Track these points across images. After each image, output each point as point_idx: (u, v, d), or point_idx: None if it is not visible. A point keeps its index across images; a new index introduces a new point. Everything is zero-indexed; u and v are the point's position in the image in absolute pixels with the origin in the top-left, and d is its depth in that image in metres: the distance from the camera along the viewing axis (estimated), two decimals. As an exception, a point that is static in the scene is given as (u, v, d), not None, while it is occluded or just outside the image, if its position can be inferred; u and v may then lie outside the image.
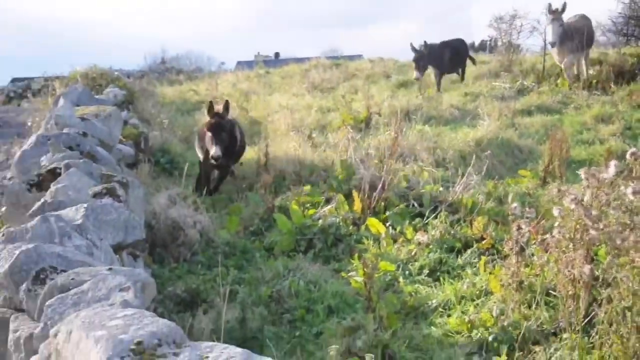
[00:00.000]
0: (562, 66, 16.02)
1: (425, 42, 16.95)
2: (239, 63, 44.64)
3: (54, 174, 6.59)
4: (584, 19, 16.40)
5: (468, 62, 19.05)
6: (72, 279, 3.95)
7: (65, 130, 7.92)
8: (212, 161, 10.08)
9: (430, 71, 17.75)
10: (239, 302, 6.77)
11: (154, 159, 11.49)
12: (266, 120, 14.06)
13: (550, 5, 14.75)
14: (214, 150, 9.91)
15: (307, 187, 9.59)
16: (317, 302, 6.87)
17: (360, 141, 11.09)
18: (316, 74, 20.35)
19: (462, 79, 18.50)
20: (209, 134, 10.16)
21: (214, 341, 3.34)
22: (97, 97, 12.20)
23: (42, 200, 5.88)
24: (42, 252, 4.53)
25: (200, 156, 11.27)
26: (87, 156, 7.36)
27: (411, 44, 16.83)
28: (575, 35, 15.23)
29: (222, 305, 6.17)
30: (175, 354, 3.19)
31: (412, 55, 16.71)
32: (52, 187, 6.07)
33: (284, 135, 12.32)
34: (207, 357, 3.18)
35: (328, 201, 9.24)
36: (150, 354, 3.15)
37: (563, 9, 14.91)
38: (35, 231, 4.95)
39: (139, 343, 3.15)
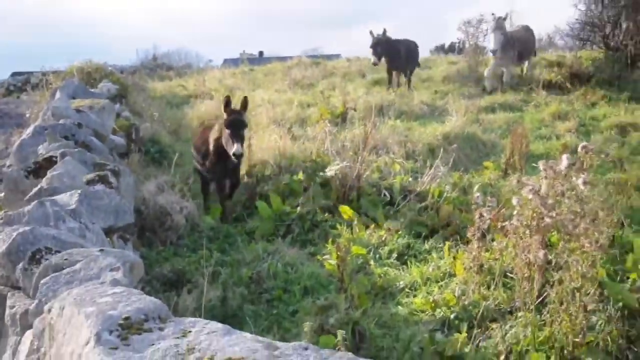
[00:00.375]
0: (485, 73, 16.00)
1: (384, 29, 16.32)
2: (225, 60, 44.48)
3: (50, 162, 6.58)
4: (526, 29, 16.52)
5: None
6: (66, 259, 3.95)
7: (61, 121, 7.89)
8: (233, 158, 8.74)
9: (389, 66, 17.14)
10: (221, 282, 6.79)
11: (144, 149, 11.44)
12: (249, 114, 13.99)
13: (494, 14, 14.68)
14: (235, 148, 8.51)
15: (287, 177, 9.60)
16: (294, 283, 6.91)
17: (336, 134, 11.10)
18: (297, 72, 20.31)
19: (409, 81, 17.53)
20: (227, 131, 8.71)
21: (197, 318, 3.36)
22: (91, 90, 12.11)
23: (39, 186, 5.87)
24: (37, 234, 4.53)
25: (198, 164, 10.01)
26: (81, 146, 7.35)
27: (370, 31, 16.32)
28: (516, 44, 15.33)
29: (205, 285, 6.21)
30: (160, 329, 3.21)
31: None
32: (49, 174, 6.06)
33: (266, 128, 12.30)
34: (189, 331, 3.20)
35: (306, 190, 9.25)
36: (137, 328, 3.17)
37: (505, 18, 14.94)
38: (32, 215, 4.95)
39: (126, 318, 3.17)
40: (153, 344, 3.05)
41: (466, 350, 5.40)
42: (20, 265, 4.41)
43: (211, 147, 9.32)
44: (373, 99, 14.52)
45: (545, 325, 5.30)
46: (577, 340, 4.99)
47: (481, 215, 6.60)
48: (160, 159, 11.19)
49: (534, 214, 6.04)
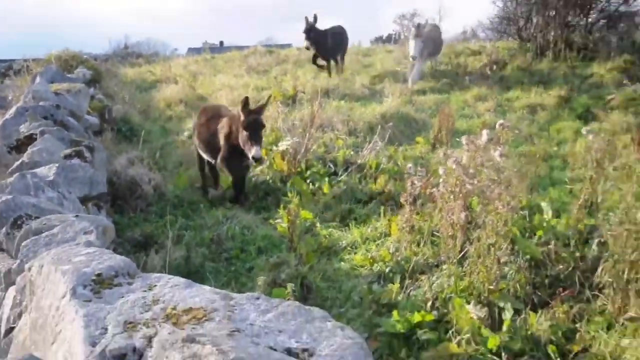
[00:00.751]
0: (409, 76, 15.81)
1: (315, 15, 15.66)
2: (189, 49, 44.00)
3: (30, 139, 6.51)
4: (436, 28, 16.43)
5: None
6: (44, 224, 3.92)
7: (41, 103, 7.79)
8: (253, 162, 7.75)
9: (317, 53, 16.34)
10: (185, 243, 6.80)
11: (116, 128, 11.30)
12: (211, 97, 13.93)
13: (415, 23, 14.46)
14: (255, 151, 7.37)
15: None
16: (250, 244, 6.94)
17: (287, 114, 11.06)
18: (253, 59, 20.14)
19: (342, 68, 16.90)
20: (245, 133, 7.49)
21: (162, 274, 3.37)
22: (68, 76, 11.97)
23: (20, 160, 5.81)
24: (19, 202, 4.48)
25: (202, 153, 8.86)
26: (59, 125, 7.28)
27: (305, 17, 15.63)
28: (429, 43, 15.25)
29: (171, 246, 6.21)
30: (129, 283, 3.21)
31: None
32: (29, 150, 5.99)
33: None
34: (155, 285, 3.20)
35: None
36: (108, 283, 3.17)
37: (425, 26, 14.64)
38: (14, 185, 4.89)
39: (98, 274, 3.17)
40: (122, 297, 3.05)
41: (399, 298, 5.48)
42: (4, 229, 4.37)
43: (222, 143, 8.13)
44: (320, 83, 14.50)
45: (466, 275, 5.38)
46: (491, 287, 5.09)
47: (413, 184, 6.67)
48: (131, 137, 11.04)
49: (457, 182, 6.11)
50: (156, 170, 8.97)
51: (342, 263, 6.45)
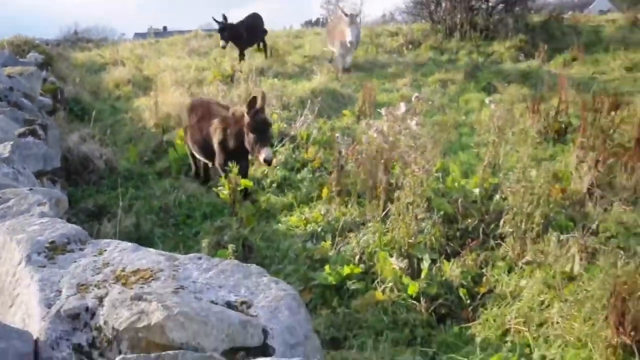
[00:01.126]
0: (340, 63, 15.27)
1: (223, 15, 14.86)
2: (135, 34, 42.84)
3: (-14, 119, 6.22)
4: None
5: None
6: (0, 197, 3.76)
7: (-5, 86, 7.45)
8: (265, 164, 6.60)
9: (237, 47, 15.46)
10: (135, 212, 6.67)
11: (69, 108, 10.95)
12: (156, 77, 13.57)
13: (345, 10, 13.62)
14: (265, 154, 6.28)
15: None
16: (195, 210, 6.85)
17: (227, 92, 10.88)
18: (195, 42, 19.71)
19: (265, 53, 16.21)
20: (252, 135, 6.37)
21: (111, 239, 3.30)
22: (21, 60, 11.46)
23: (-24, 139, 5.56)
24: (-24, 178, 4.30)
25: (197, 154, 7.68)
26: (13, 105, 6.97)
27: (213, 18, 14.96)
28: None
29: (121, 215, 6.07)
30: (81, 249, 3.15)
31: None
32: (-15, 129, 5.73)
33: (169, 88, 11.96)
34: (105, 250, 3.14)
35: (204, 136, 9.10)
36: (61, 250, 3.09)
37: (358, 15, 13.74)
38: (-30, 163, 4.68)
39: (52, 242, 3.11)
40: (75, 262, 2.99)
41: (330, 254, 5.50)
42: (-39, 204, 4.18)
43: (217, 150, 6.96)
44: (255, 63, 14.33)
45: (388, 231, 5.42)
46: (411, 241, 5.14)
47: (340, 152, 6.67)
48: (82, 115, 10.70)
49: (379, 149, 6.13)
50: (107, 146, 8.72)
51: (280, 225, 6.43)
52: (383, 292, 4.73)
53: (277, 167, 7.96)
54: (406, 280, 4.76)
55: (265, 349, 2.53)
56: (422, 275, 4.80)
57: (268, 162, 6.39)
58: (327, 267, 5.06)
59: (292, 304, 2.73)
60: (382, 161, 6.17)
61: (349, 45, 12.88)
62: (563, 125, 8.42)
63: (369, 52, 16.17)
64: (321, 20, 28.72)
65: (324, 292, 4.96)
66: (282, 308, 2.69)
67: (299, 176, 7.73)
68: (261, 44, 16.51)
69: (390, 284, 4.76)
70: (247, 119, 6.41)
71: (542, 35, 14.98)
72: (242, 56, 15.25)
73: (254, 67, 12.92)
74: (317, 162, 7.91)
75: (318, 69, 13.93)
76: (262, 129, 6.41)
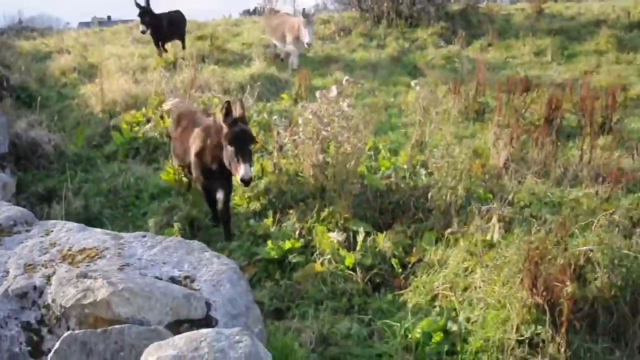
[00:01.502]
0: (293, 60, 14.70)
1: (146, 1, 13.43)
2: (80, 23, 41.13)
3: None
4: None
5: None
6: (-54, 184, 3.57)
7: (-62, 76, 7.06)
8: (242, 185, 5.19)
9: (154, 37, 13.91)
10: (83, 194, 6.43)
11: (15, 95, 10.43)
12: (101, 65, 13.08)
13: (304, 9, 12.11)
14: (243, 171, 4.92)
15: (133, 112, 9.13)
16: (144, 191, 6.66)
17: (170, 78, 10.58)
18: (138, 31, 19.05)
19: (183, 47, 14.57)
20: (230, 148, 5.00)
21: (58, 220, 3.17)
22: (-36, 50, 10.95)
23: None
24: None
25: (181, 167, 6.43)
26: (-43, 94, 6.64)
27: (136, 3, 13.28)
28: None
29: (70, 197, 5.87)
30: (27, 231, 3.05)
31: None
32: None
33: (114, 75, 11.58)
34: (52, 230, 3.05)
35: (149, 120, 8.83)
36: (8, 232, 3.00)
37: (314, 14, 12.89)
38: None
39: (-2, 224, 2.97)
40: (22, 242, 2.90)
41: (272, 230, 5.46)
42: None
43: (193, 162, 5.67)
44: (196, 50, 14.02)
45: (326, 206, 5.41)
46: (347, 215, 5.15)
47: (278, 133, 6.60)
48: (29, 102, 10.20)
49: (315, 129, 6.10)
50: (55, 131, 8.38)
51: (224, 205, 6.32)
52: (322, 264, 4.73)
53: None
54: (343, 252, 4.78)
55: (208, 321, 2.51)
56: (358, 247, 4.83)
57: (245, 181, 4.97)
58: (269, 243, 5.03)
59: (233, 277, 2.71)
60: (318, 141, 6.14)
61: (306, 46, 11.98)
62: (481, 106, 8.57)
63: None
64: (258, 9, 28.26)
65: (267, 266, 4.93)
66: (224, 281, 2.67)
67: (240, 157, 7.62)
68: (181, 42, 14.89)
69: (329, 256, 4.76)
70: (224, 129, 5.08)
71: (461, 23, 15.18)
72: (158, 47, 13.93)
73: (196, 55, 12.63)
74: (258, 144, 7.80)
75: (256, 55, 13.76)
76: (240, 142, 4.99)
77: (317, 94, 6.53)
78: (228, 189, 5.65)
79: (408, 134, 7.74)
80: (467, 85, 9.13)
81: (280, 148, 6.62)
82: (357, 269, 4.59)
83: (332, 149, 6.11)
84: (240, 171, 4.91)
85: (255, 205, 6.10)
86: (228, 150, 5.03)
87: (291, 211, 5.71)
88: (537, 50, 12.55)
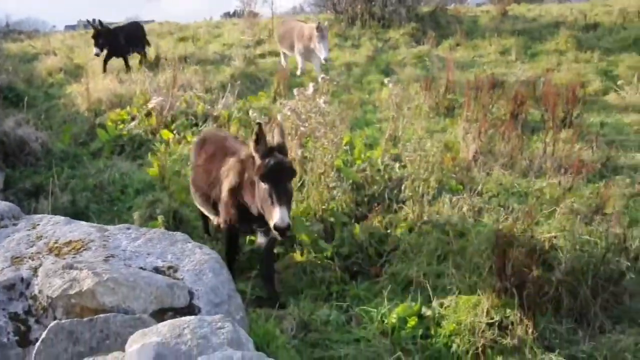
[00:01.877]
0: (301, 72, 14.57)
1: (99, 20, 12.59)
2: (66, 26, 40.46)
3: None
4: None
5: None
6: None
7: None
8: (277, 234, 3.67)
9: (112, 54, 12.68)
10: (70, 189, 6.32)
11: (3, 95, 10.25)
12: (86, 65, 12.92)
13: (318, 23, 10.80)
14: (278, 217, 3.59)
15: (118, 110, 9.00)
16: (129, 187, 6.57)
17: (153, 77, 10.45)
18: (121, 34, 18.93)
19: (145, 59, 13.26)
20: (263, 186, 3.73)
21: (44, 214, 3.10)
22: (-47, 52, 10.69)
23: None
24: None
25: (202, 208, 4.96)
26: (-54, 94, 6.48)
27: (88, 22, 12.49)
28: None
29: (58, 193, 5.76)
30: (15, 224, 2.98)
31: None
32: None
33: (99, 75, 11.43)
34: (38, 224, 2.99)
35: (133, 118, 8.72)
36: None
37: (326, 28, 11.18)
38: None
39: (-15, 220, 2.89)
40: (9, 236, 2.84)
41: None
42: None
43: (224, 199, 4.24)
44: (178, 51, 13.88)
45: (304, 200, 5.37)
46: (324, 207, 5.12)
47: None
48: (17, 102, 10.00)
49: (293, 125, 6.05)
50: (42, 129, 8.23)
51: (207, 196, 6.25)
52: (302, 254, 4.70)
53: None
54: (321, 242, 4.75)
55: (191, 309, 2.47)
56: (336, 237, 4.80)
57: (281, 230, 3.58)
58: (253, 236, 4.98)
59: (215, 266, 2.68)
60: (296, 136, 6.10)
61: (323, 61, 10.61)
62: (451, 102, 8.60)
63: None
64: (238, 12, 28.06)
65: (251, 256, 4.88)
66: (207, 271, 2.63)
67: (222, 152, 7.56)
68: (142, 53, 13.65)
69: (308, 247, 4.73)
70: (256, 160, 3.81)
71: (431, 24, 15.21)
72: (106, 64, 12.52)
73: (178, 55, 12.50)
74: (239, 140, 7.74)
75: (236, 55, 13.66)
76: (276, 177, 3.70)
77: (295, 91, 6.48)
78: (270, 246, 4.33)
79: (382, 129, 7.73)
80: (437, 82, 9.16)
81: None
82: (335, 258, 4.58)
83: (309, 144, 6.07)
84: (275, 216, 3.59)
85: (237, 199, 6.04)
86: (260, 188, 3.78)
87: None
88: (502, 49, 12.63)
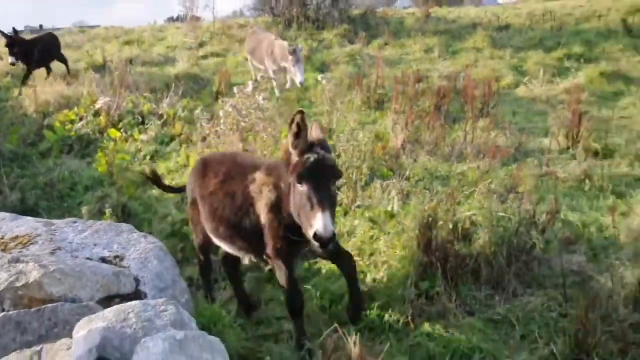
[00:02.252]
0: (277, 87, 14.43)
1: (14, 28, 11.48)
2: (13, 30, 38.74)
3: None
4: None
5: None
6: None
7: None
8: (316, 245, 2.80)
9: (26, 66, 11.35)
10: (19, 188, 6.07)
11: (-52, 100, 9.73)
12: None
13: (290, 46, 9.28)
14: (320, 224, 2.73)
15: (66, 111, 8.66)
16: (78, 183, 6.39)
17: (100, 79, 10.10)
18: (69, 38, 18.09)
19: (67, 70, 11.97)
20: (302, 187, 2.88)
21: None
22: None
23: None
24: None
25: (234, 249, 3.64)
26: None
27: (2, 32, 11.05)
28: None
29: (7, 191, 5.52)
30: None
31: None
32: None
33: (46, 77, 10.96)
34: None
35: (81, 119, 8.42)
36: None
37: (301, 49, 9.71)
38: None
39: None
40: None
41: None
42: None
43: (268, 223, 3.28)
44: (124, 54, 13.47)
45: (246, 189, 5.33)
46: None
47: (201, 125, 6.46)
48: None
49: (234, 121, 6.00)
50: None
51: (154, 191, 6.10)
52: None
53: (149, 142, 7.56)
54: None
55: (138, 295, 2.42)
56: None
57: (323, 241, 2.79)
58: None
59: (159, 254, 2.62)
60: (238, 131, 6.05)
61: (299, 85, 9.00)
62: (381, 96, 8.69)
63: (223, 41, 15.72)
64: (181, 16, 27.47)
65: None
66: (151, 258, 2.58)
67: (168, 148, 7.41)
68: (64, 65, 12.33)
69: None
70: (293, 157, 3.02)
71: (361, 25, 15.33)
72: (27, 77, 11.18)
73: (124, 58, 12.14)
74: (183, 136, 7.61)
75: (180, 57, 13.39)
76: (317, 177, 2.90)
77: (235, 89, 6.43)
78: (347, 254, 3.60)
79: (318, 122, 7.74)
80: (368, 78, 9.24)
81: (204, 139, 6.49)
82: (277, 242, 4.56)
83: (250, 138, 6.03)
84: (315, 223, 2.79)
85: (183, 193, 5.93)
86: (297, 191, 2.95)
87: (216, 194, 5.60)
88: (426, 48, 12.85)
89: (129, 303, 2.05)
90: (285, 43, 9.33)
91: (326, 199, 2.83)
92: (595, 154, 6.39)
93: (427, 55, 12.45)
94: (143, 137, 7.76)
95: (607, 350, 3.17)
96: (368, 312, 3.72)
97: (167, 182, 6.21)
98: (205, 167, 3.85)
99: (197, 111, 7.35)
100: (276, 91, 9.28)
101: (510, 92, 9.46)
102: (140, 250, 2.63)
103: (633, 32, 12.28)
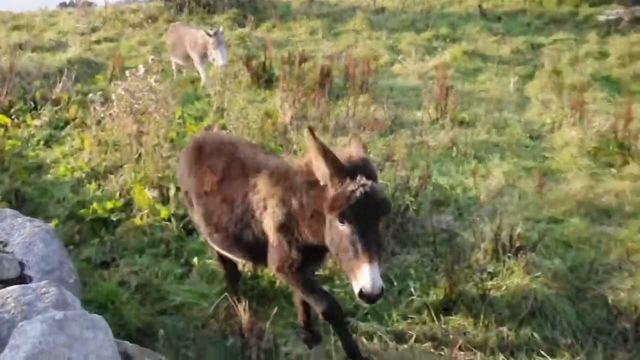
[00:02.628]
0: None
1: None
2: None
3: None
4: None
5: None
6: None
7: None
8: (363, 301, 2.15)
9: None
10: None
11: None
12: None
13: (211, 30, 8.36)
14: (368, 279, 2.08)
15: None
16: (-36, 173, 5.76)
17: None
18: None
19: None
20: (345, 229, 2.17)
21: None
22: None
23: None
24: None
25: (236, 254, 3.02)
26: None
27: None
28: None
29: None
30: None
31: None
32: None
33: None
34: None
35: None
36: None
37: (222, 32, 8.53)
38: None
39: None
40: None
41: (97, 194, 5.07)
42: None
43: (276, 241, 2.64)
44: (12, 39, 12.27)
45: (142, 170, 5.12)
46: (160, 175, 4.93)
47: (95, 109, 6.07)
48: None
49: (127, 104, 5.71)
50: None
51: (49, 176, 5.69)
52: (141, 218, 4.49)
53: (42, 127, 7.01)
54: (158, 206, 4.59)
55: (22, 279, 2.25)
56: (171, 201, 4.65)
57: (371, 297, 2.17)
58: (94, 204, 4.66)
59: (46, 237, 2.46)
60: (131, 114, 5.75)
61: (220, 70, 7.93)
62: (269, 76, 8.63)
63: (116, 26, 14.80)
64: (73, 2, 25.47)
65: (93, 225, 4.56)
66: (37, 242, 2.41)
67: (63, 133, 6.92)
68: None
69: (146, 211, 4.54)
70: (330, 189, 2.31)
71: (250, 9, 15.02)
72: None
73: (13, 43, 11.06)
74: (78, 119, 7.12)
75: (72, 42, 12.44)
76: (365, 217, 2.22)
77: (127, 72, 6.10)
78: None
79: (210, 102, 7.56)
80: (257, 59, 9.12)
81: (98, 122, 6.11)
82: (172, 219, 4.43)
83: (143, 119, 5.77)
84: (362, 278, 2.16)
85: (79, 174, 5.58)
86: (337, 230, 2.28)
87: (112, 176, 5.34)
88: (311, 30, 12.87)
89: (7, 288, 1.90)
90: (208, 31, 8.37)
91: (374, 245, 2.18)
92: (460, 123, 6.79)
93: (312, 37, 12.49)
94: (36, 122, 7.17)
95: (469, 298, 3.40)
96: (260, 280, 3.72)
97: (62, 167, 5.83)
98: (199, 153, 3.11)
99: (91, 95, 6.90)
100: (208, 88, 8.28)
101: (387, 69, 9.73)
102: (25, 235, 2.45)
103: (487, 16, 13.06)
